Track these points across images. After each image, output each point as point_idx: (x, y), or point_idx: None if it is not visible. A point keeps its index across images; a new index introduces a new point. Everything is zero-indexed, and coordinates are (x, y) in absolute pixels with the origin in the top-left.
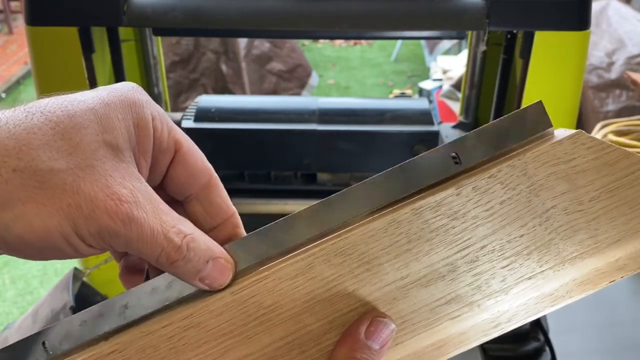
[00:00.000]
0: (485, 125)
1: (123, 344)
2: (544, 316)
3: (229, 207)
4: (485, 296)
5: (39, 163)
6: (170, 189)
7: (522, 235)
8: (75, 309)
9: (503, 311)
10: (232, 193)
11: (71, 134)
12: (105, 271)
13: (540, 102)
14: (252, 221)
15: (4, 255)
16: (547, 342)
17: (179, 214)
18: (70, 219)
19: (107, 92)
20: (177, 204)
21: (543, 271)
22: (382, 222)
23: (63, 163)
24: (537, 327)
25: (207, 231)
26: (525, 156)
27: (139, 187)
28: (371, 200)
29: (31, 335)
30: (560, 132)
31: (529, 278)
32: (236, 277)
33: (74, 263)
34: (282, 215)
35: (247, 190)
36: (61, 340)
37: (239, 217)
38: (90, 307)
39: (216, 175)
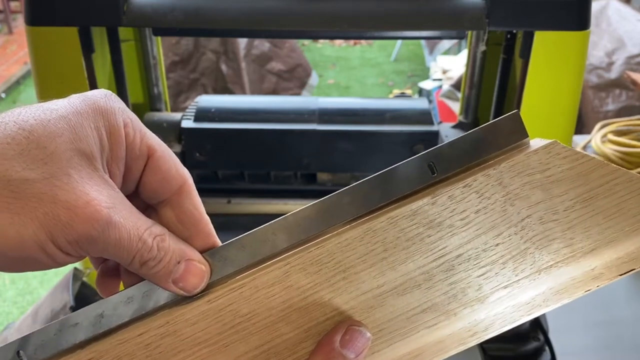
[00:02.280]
0: (461, 135)
1: (99, 352)
2: (544, 316)
3: (201, 214)
4: (462, 305)
5: (13, 173)
6: (143, 195)
7: (497, 244)
8: (75, 309)
9: (480, 320)
10: (232, 193)
11: (45, 143)
12: None
13: (516, 113)
14: (252, 221)
15: None
16: (547, 341)
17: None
18: (46, 228)
19: (79, 101)
20: (150, 211)
21: (519, 280)
22: (358, 230)
23: (38, 173)
24: (537, 326)
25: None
26: (501, 166)
27: (113, 194)
28: (349, 209)
29: (6, 345)
30: (536, 142)
31: (505, 287)
32: (212, 285)
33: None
34: (282, 215)
35: (247, 190)
36: (36, 349)
37: (211, 226)
38: (65, 316)
39: (191, 182)
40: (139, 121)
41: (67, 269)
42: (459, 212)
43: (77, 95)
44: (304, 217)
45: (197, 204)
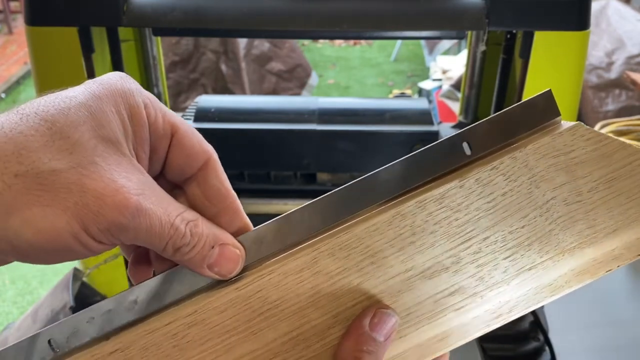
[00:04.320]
0: (496, 114)
1: (125, 343)
2: (544, 316)
3: (228, 189)
4: (488, 287)
5: (41, 165)
6: (169, 174)
7: (523, 227)
8: (75, 309)
9: (504, 302)
10: None
11: (68, 132)
12: (105, 271)
13: (549, 91)
14: (252, 221)
15: None
16: (547, 341)
17: (181, 202)
18: (77, 218)
19: (96, 85)
20: (178, 192)
21: (543, 262)
22: (386, 215)
23: (65, 163)
24: (537, 326)
25: (209, 218)
26: (527, 148)
27: (142, 179)
28: (382, 190)
29: (37, 333)
30: (561, 124)
31: (530, 269)
32: (245, 270)
33: (74, 263)
34: (281, 214)
35: (247, 190)
36: (68, 337)
37: (238, 202)
38: (99, 303)
39: (216, 157)
40: (157, 100)
41: (67, 268)
42: (486, 195)
43: (93, 80)
44: (334, 201)
45: (223, 179)
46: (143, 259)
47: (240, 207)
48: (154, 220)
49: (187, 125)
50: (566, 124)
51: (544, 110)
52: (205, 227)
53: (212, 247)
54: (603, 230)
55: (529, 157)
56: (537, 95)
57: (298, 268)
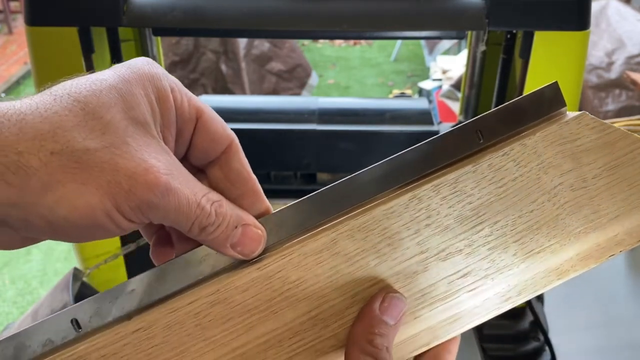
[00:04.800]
0: (506, 104)
1: (148, 322)
2: (544, 316)
3: (249, 173)
4: (498, 270)
5: (75, 144)
6: (193, 158)
7: (532, 211)
8: None
9: (513, 285)
10: None
11: (101, 113)
12: (105, 271)
13: (555, 83)
14: None
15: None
16: (547, 341)
17: (204, 185)
18: (110, 196)
19: (125, 69)
20: (201, 175)
21: (551, 245)
22: (403, 198)
23: (98, 142)
24: (537, 326)
25: (231, 201)
26: (536, 135)
27: (170, 160)
28: (397, 176)
29: (61, 312)
30: (568, 114)
31: (538, 252)
32: (267, 250)
33: (74, 263)
34: None
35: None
36: (91, 317)
37: (259, 186)
38: (122, 283)
39: (237, 141)
40: (182, 85)
41: (67, 268)
42: (497, 180)
43: (121, 64)
44: (353, 184)
45: (244, 162)
46: (165, 240)
47: (261, 191)
48: (182, 199)
49: (211, 110)
50: (572, 113)
51: (551, 100)
52: (228, 208)
53: (235, 227)
54: (606, 215)
55: (537, 144)
56: (545, 87)
57: (318, 249)
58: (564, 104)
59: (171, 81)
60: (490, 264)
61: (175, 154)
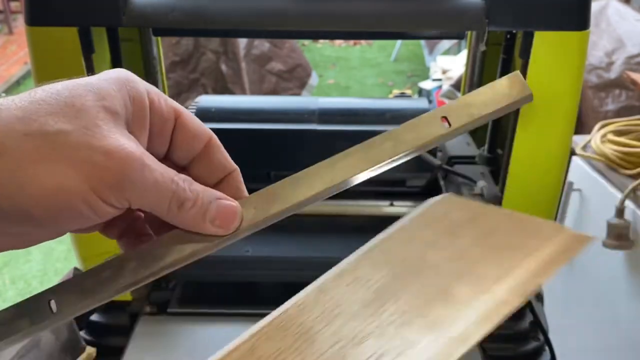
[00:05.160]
0: (468, 93)
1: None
2: (544, 315)
3: (231, 163)
4: (410, 345)
5: (48, 127)
6: (176, 156)
7: (425, 286)
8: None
9: (427, 358)
10: None
11: (73, 101)
12: None
13: (517, 73)
14: None
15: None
16: (547, 341)
17: None
18: (85, 175)
19: (102, 73)
20: (183, 174)
21: (448, 314)
22: (312, 293)
23: (70, 125)
24: (537, 326)
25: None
26: (412, 219)
27: (139, 145)
28: (362, 161)
29: (39, 293)
30: (432, 199)
31: (439, 323)
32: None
33: (74, 263)
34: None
35: (247, 190)
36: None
37: (241, 177)
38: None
39: (216, 137)
40: (159, 90)
41: (67, 268)
42: (390, 261)
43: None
44: (329, 165)
45: (225, 154)
46: (136, 239)
47: (242, 183)
48: (157, 175)
49: (188, 111)
50: (438, 197)
51: (512, 88)
52: (199, 185)
53: (210, 202)
54: (490, 279)
55: (413, 227)
56: (505, 77)
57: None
58: (528, 91)
59: (148, 86)
60: (401, 341)
61: (156, 153)
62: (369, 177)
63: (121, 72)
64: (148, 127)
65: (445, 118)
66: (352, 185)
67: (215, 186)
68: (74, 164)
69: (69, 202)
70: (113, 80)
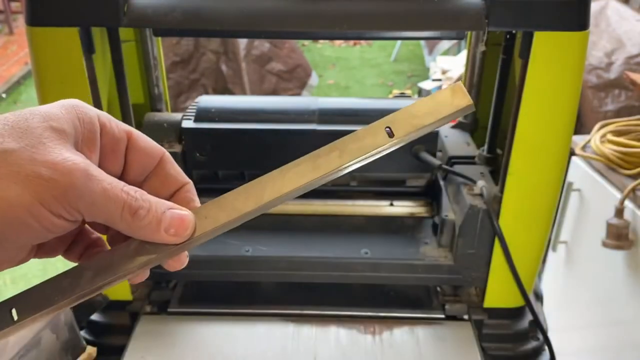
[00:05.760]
0: (411, 104)
1: None
2: (543, 315)
3: (183, 176)
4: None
5: None
6: (132, 174)
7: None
8: (73, 308)
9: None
10: None
11: (19, 124)
12: None
13: (459, 83)
14: (252, 221)
15: None
16: (547, 341)
17: None
18: (30, 188)
19: (53, 102)
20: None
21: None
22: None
23: (16, 144)
24: (536, 326)
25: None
26: None
27: (86, 159)
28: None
29: (1, 302)
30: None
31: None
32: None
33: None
34: (282, 214)
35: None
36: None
37: (193, 187)
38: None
39: (167, 152)
40: (111, 116)
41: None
42: None
43: None
44: (259, 183)
45: (178, 169)
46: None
47: (195, 194)
48: (105, 185)
49: (139, 131)
50: None
51: (453, 99)
52: (151, 196)
53: (164, 212)
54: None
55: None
56: (446, 88)
57: None
58: (469, 101)
59: (98, 111)
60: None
61: (112, 172)
62: (317, 185)
63: (71, 100)
64: (99, 147)
65: (388, 128)
66: (300, 193)
67: (169, 199)
68: (19, 178)
69: (14, 214)
70: (61, 105)
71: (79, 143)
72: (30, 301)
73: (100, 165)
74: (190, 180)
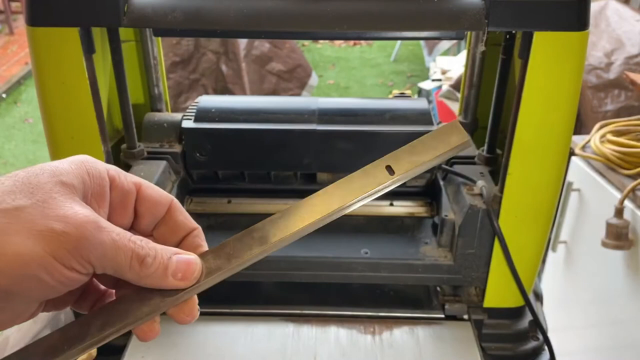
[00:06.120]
0: (413, 141)
1: None
2: (543, 315)
3: (192, 222)
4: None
5: (6, 205)
6: (142, 224)
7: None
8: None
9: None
10: (232, 193)
11: (29, 180)
12: None
13: (455, 121)
14: (252, 221)
15: None
16: (546, 341)
17: None
18: (43, 243)
19: (61, 159)
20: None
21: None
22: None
23: (27, 201)
24: (536, 326)
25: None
26: None
27: (94, 212)
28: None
29: (7, 357)
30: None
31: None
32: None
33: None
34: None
35: (247, 190)
36: None
37: (201, 232)
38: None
39: (176, 199)
40: (120, 169)
41: None
42: None
43: None
44: (274, 222)
45: (187, 215)
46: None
47: (203, 239)
48: (114, 235)
49: (147, 182)
50: None
51: (451, 135)
52: (156, 244)
53: (170, 257)
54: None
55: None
56: (444, 125)
57: None
58: (465, 137)
59: (107, 165)
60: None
61: (122, 225)
62: (321, 225)
63: (80, 156)
64: (108, 200)
65: (389, 167)
66: (306, 233)
67: (177, 245)
68: (32, 234)
69: (27, 268)
70: (70, 160)
71: (88, 197)
72: (41, 352)
73: (109, 218)
74: (198, 226)
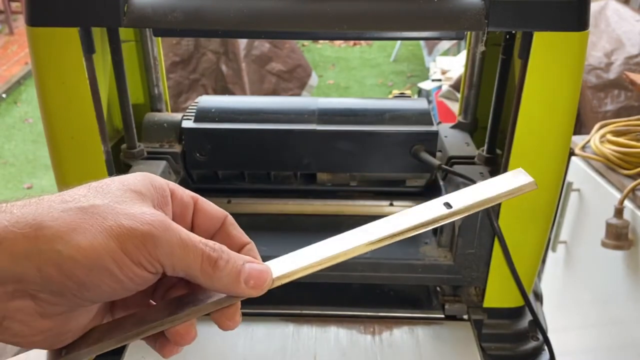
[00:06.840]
0: (471, 185)
1: None
2: (543, 316)
3: (245, 237)
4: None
5: (82, 203)
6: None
7: None
8: None
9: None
10: (232, 193)
11: (102, 187)
12: None
13: (520, 169)
14: (252, 221)
15: None
16: (546, 341)
17: None
18: (114, 236)
19: (127, 174)
20: None
21: None
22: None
23: (101, 200)
24: (536, 326)
25: None
26: None
27: (164, 215)
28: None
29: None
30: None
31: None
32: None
33: None
34: (282, 214)
35: (247, 190)
36: None
37: (255, 248)
38: None
39: (230, 215)
40: (177, 184)
41: None
42: None
43: None
44: (337, 241)
45: (240, 230)
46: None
47: (257, 254)
48: (183, 235)
49: (203, 197)
50: None
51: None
52: (229, 250)
53: (243, 264)
54: None
55: None
56: (508, 173)
57: None
58: (529, 179)
59: (166, 180)
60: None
61: None
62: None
63: (142, 172)
64: (171, 211)
65: (447, 203)
66: (356, 254)
67: None
68: (104, 228)
69: (100, 260)
70: (135, 174)
71: (155, 206)
72: (78, 341)
73: None
74: (251, 241)
